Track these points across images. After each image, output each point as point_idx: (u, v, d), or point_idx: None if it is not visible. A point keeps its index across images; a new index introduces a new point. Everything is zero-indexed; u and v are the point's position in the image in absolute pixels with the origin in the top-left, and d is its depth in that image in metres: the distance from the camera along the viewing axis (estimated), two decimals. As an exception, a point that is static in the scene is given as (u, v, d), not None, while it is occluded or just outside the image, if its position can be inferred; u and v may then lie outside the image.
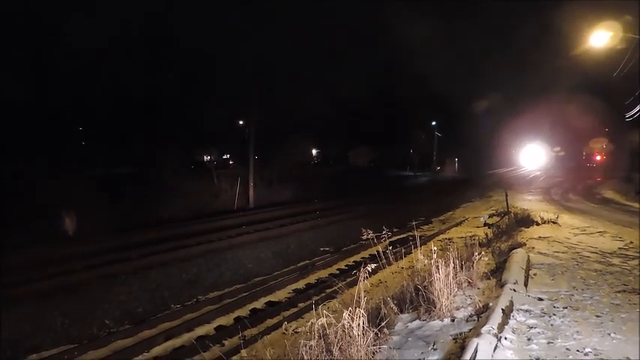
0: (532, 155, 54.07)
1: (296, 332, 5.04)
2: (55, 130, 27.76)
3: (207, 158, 41.55)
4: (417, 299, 5.34)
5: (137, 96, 29.85)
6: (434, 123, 54.11)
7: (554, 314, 5.01)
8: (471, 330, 4.48)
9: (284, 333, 6.00)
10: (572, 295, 5.77)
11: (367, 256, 12.42)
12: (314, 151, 57.19)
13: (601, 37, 13.97)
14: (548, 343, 4.23)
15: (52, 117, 27.33)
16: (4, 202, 15.36)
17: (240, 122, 35.82)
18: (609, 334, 4.42)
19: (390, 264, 6.58)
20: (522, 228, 11.97)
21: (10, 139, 22.79)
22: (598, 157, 47.22)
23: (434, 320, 4.90)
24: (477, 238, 11.35)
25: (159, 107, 30.79)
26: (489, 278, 6.56)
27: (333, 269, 11.76)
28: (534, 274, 6.81)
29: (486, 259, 7.96)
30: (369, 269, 4.67)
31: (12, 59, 23.42)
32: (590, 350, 4.06)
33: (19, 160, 21.72)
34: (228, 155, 46.68)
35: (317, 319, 3.98)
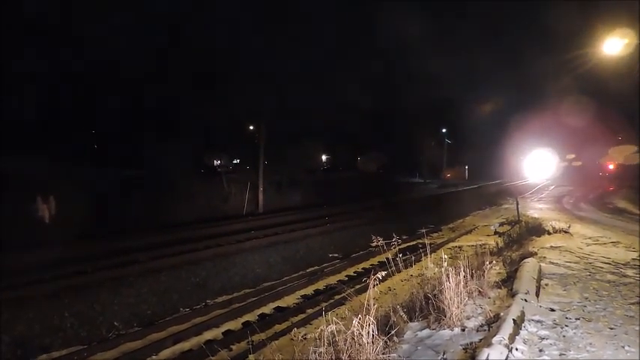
0: (540, 163, 50.33)
1: (305, 338, 5.03)
2: (68, 134, 28.13)
3: (217, 162, 41.74)
4: (427, 308, 5.30)
5: (148, 100, 30.18)
6: (444, 130, 54.00)
7: (566, 325, 4.94)
8: (481, 340, 4.43)
9: (292, 339, 5.99)
10: (585, 306, 5.69)
11: (376, 263, 12.37)
12: (323, 157, 57.22)
13: (615, 45, 13.82)
14: (561, 354, 4.17)
15: (65, 120, 27.71)
16: (15, 203, 15.53)
17: (251, 127, 35.99)
18: (623, 347, 4.35)
19: (399, 271, 6.55)
20: (533, 237, 11.85)
21: (24, 142, 23.13)
22: (611, 167, 45.98)
23: (444, 329, 4.85)
24: (487, 246, 11.28)
25: (169, 111, 31.07)
26: (500, 287, 6.50)
27: (342, 276, 11.73)
28: (546, 284, 6.73)
29: (497, 268, 7.91)
30: (379, 277, 4.65)
31: (28, 65, 23.81)
32: (604, 363, 4.00)
33: (31, 161, 22.00)
34: (238, 160, 46.87)
35: (326, 326, 3.97)
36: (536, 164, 49.76)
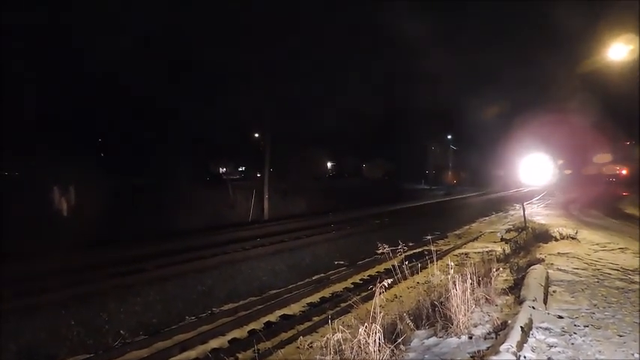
0: (538, 169, 48.56)
1: (311, 347, 5.01)
2: (75, 142, 28.32)
3: (222, 170, 41.89)
4: (434, 315, 5.27)
5: (154, 108, 30.36)
6: (449, 136, 53.95)
7: (575, 333, 4.89)
8: (489, 348, 4.40)
9: (299, 347, 5.98)
10: (594, 313, 5.64)
11: (382, 270, 12.31)
12: (329, 164, 57.28)
13: (619, 50, 13.78)
14: (570, 362, 4.13)
15: (73, 129, 27.92)
16: (26, 210, 15.69)
17: (256, 135, 36.11)
18: (633, 354, 4.30)
19: (405, 278, 6.53)
20: (540, 243, 11.78)
21: (33, 150, 23.32)
22: (624, 172, 45.87)
23: (451, 337, 4.82)
24: (494, 253, 11.23)
25: (175, 119, 31.23)
26: (507, 295, 6.45)
27: (348, 283, 11.68)
28: (554, 291, 6.67)
29: (504, 275, 7.86)
30: (386, 284, 4.63)
31: (36, 73, 24.04)
32: (614, 371, 3.95)
33: (39, 170, 22.22)
34: (243, 167, 47.02)
35: (333, 334, 3.96)
36: (535, 170, 48.52)
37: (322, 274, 12.44)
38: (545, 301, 6.05)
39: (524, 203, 19.95)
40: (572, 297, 6.40)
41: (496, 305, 5.98)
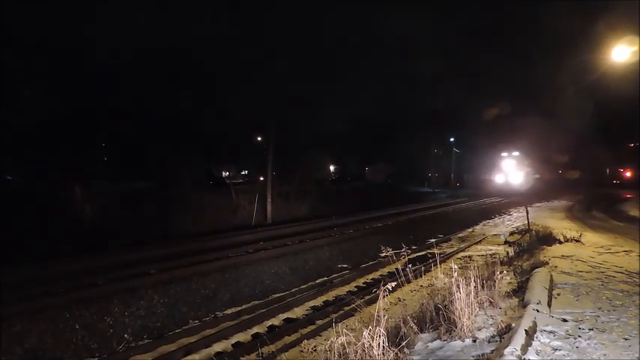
0: (511, 172, 44.64)
1: (315, 350, 5.02)
2: (79, 146, 28.36)
3: (225, 174, 41.93)
4: (438, 318, 5.27)
5: (156, 111, 30.37)
6: (452, 139, 53.90)
7: (579, 336, 4.88)
8: (493, 351, 4.39)
9: (302, 351, 5.98)
10: (598, 316, 5.62)
11: (386, 273, 12.31)
12: (332, 167, 57.29)
13: (622, 52, 13.76)
14: (574, 366, 4.12)
15: (76, 133, 27.94)
16: (29, 215, 15.77)
17: (259, 138, 36.11)
18: (638, 358, 4.28)
19: (408, 282, 6.54)
20: (544, 246, 11.75)
21: (37, 155, 23.40)
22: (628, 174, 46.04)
23: (455, 340, 4.82)
24: (497, 256, 11.21)
25: (177, 122, 31.19)
26: (511, 298, 6.44)
27: (351, 286, 11.68)
28: (558, 294, 6.66)
29: (508, 278, 7.85)
30: (389, 287, 4.64)
31: (36, 75, 24.00)
32: (619, 374, 3.94)
33: (44, 175, 22.33)
34: (246, 171, 47.05)
35: (337, 338, 3.96)
36: (511, 173, 46.31)
37: (325, 278, 12.44)
38: (549, 304, 6.04)
39: (528, 206, 19.90)
40: (577, 300, 6.38)
41: (500, 308, 5.97)
